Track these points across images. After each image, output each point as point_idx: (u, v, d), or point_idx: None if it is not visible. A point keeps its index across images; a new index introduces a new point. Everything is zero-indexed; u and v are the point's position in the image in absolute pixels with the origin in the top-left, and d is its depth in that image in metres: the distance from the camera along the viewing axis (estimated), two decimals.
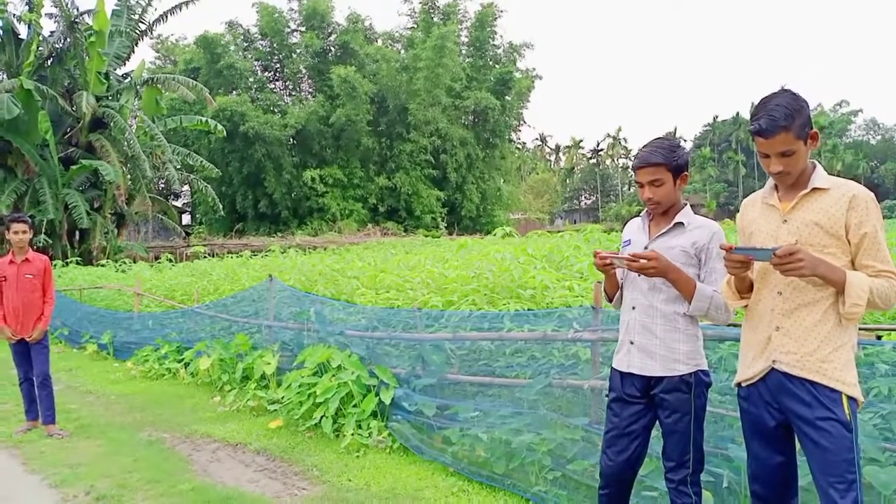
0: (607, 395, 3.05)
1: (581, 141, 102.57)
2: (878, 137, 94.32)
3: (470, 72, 47.55)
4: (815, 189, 2.43)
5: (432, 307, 6.97)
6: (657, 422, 2.91)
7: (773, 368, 2.49)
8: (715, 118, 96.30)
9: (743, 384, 2.63)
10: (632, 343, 2.89)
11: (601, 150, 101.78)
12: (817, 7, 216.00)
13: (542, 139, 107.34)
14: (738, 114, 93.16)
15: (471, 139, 46.69)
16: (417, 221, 43.36)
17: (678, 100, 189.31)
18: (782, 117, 2.34)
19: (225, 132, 30.00)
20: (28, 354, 6.47)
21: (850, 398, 2.37)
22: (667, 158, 2.80)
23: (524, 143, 75.94)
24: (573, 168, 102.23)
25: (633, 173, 2.94)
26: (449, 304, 7.04)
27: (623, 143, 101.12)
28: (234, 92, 42.56)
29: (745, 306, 2.64)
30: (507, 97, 48.57)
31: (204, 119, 28.54)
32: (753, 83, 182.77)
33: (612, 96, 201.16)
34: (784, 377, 2.45)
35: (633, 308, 2.90)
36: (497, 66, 49.67)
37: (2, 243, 21.23)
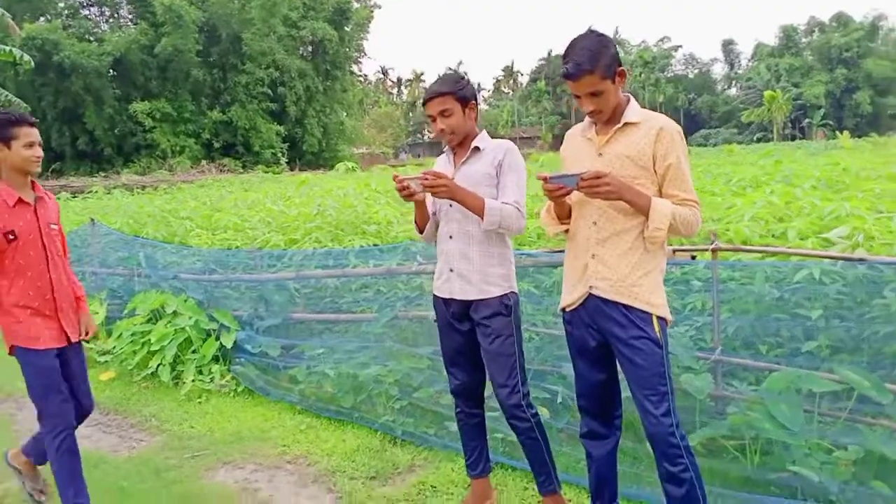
0: (435, 321, 3.14)
1: (423, 74, 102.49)
2: (696, 71, 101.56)
3: (307, 0, 45.63)
4: (626, 123, 2.54)
5: (274, 247, 6.78)
6: (481, 349, 2.98)
7: (590, 294, 2.62)
8: (549, 52, 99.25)
9: (567, 309, 2.75)
10: (451, 270, 2.96)
11: None
12: None
13: (384, 72, 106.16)
14: None
15: (310, 71, 45.27)
16: (256, 157, 41.78)
17: (514, 34, 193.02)
18: (586, 60, 2.40)
19: (34, 63, 26.96)
20: (69, 373, 3.40)
21: (660, 318, 2.54)
22: (452, 88, 2.87)
23: (366, 76, 74.68)
24: (415, 102, 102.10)
25: (423, 109, 2.97)
26: (292, 242, 6.88)
27: (465, 75, 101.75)
28: (43, 18, 38.20)
29: (566, 232, 2.75)
30: (345, 28, 47.39)
31: (8, 49, 25.42)
32: (587, 19, 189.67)
33: (451, 29, 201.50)
34: (601, 301, 2.59)
35: (451, 237, 2.96)
36: None
37: None
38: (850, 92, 71.65)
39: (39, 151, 3.21)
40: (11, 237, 3.15)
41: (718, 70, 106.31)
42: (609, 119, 2.57)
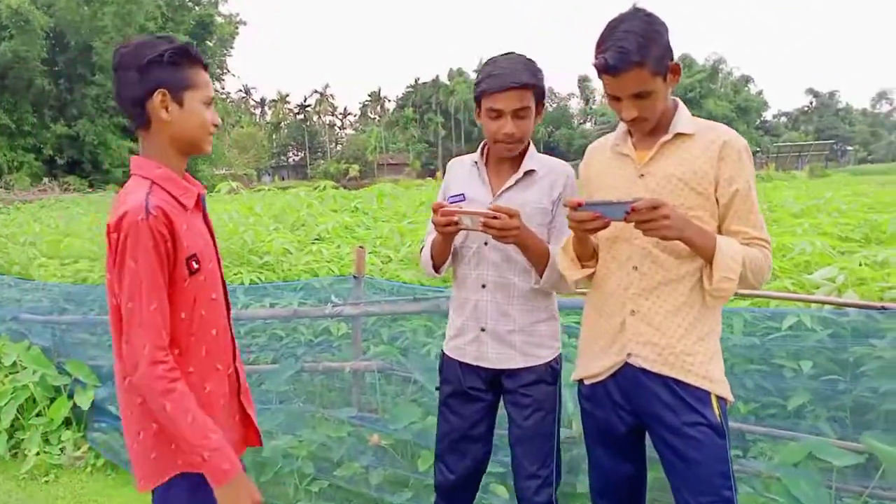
0: (437, 388, 2.40)
1: (287, 95, 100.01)
2: (554, 105, 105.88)
3: (166, 11, 43.28)
4: (677, 135, 1.93)
5: None
6: (511, 424, 2.28)
7: (627, 363, 1.99)
8: (416, 80, 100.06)
9: (586, 381, 2.11)
10: (483, 330, 2.23)
11: (308, 105, 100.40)
12: None
13: (247, 91, 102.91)
14: (437, 77, 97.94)
15: None
16: (106, 176, 38.74)
17: (381, 61, 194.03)
18: (635, 49, 1.77)
19: None
20: None
21: (720, 398, 1.95)
22: (535, 80, 2.11)
23: (228, 94, 71.74)
24: (280, 123, 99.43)
25: (480, 101, 2.16)
26: None
27: (331, 99, 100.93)
28: None
29: (589, 277, 2.10)
30: (208, 42, 45.34)
31: None
32: (451, 50, 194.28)
33: (317, 52, 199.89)
34: (641, 373, 1.97)
35: (483, 286, 2.23)
36: (197, 7, 45.94)
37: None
38: None
39: (217, 117, 1.87)
40: (195, 265, 1.75)
41: (575, 105, 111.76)
42: (653, 129, 1.95)
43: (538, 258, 2.11)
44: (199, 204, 1.87)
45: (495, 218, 1.97)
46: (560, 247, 2.11)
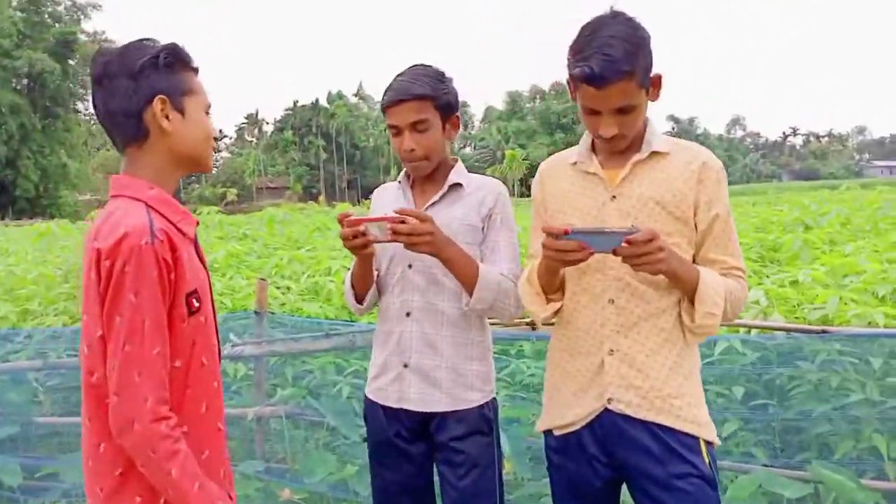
0: (364, 439, 2.15)
1: None
2: None
3: (23, 28, 40.56)
4: (653, 153, 1.76)
5: (1, 322, 5.10)
6: (444, 484, 2.03)
7: (606, 409, 1.78)
8: (295, 103, 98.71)
9: (556, 432, 1.89)
10: (406, 366, 1.99)
11: None
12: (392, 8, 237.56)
13: None
14: (317, 100, 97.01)
15: (26, 107, 40.06)
16: None
17: (257, 82, 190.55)
18: (623, 57, 1.57)
19: None
20: None
21: (708, 443, 1.77)
22: (433, 90, 1.94)
23: (93, 115, 68.04)
24: None
25: (383, 114, 2.02)
26: (26, 315, 5.24)
27: None
28: None
29: (556, 313, 1.87)
30: (70, 61, 42.79)
31: None
32: (331, 73, 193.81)
33: None
34: (622, 420, 1.76)
35: (408, 314, 2.00)
36: (58, 24, 43.39)
37: None
38: None
39: (215, 129, 1.68)
40: (196, 303, 1.45)
41: None
42: (626, 148, 1.77)
43: (465, 273, 1.90)
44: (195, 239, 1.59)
45: (403, 223, 1.77)
46: (521, 279, 1.91)
